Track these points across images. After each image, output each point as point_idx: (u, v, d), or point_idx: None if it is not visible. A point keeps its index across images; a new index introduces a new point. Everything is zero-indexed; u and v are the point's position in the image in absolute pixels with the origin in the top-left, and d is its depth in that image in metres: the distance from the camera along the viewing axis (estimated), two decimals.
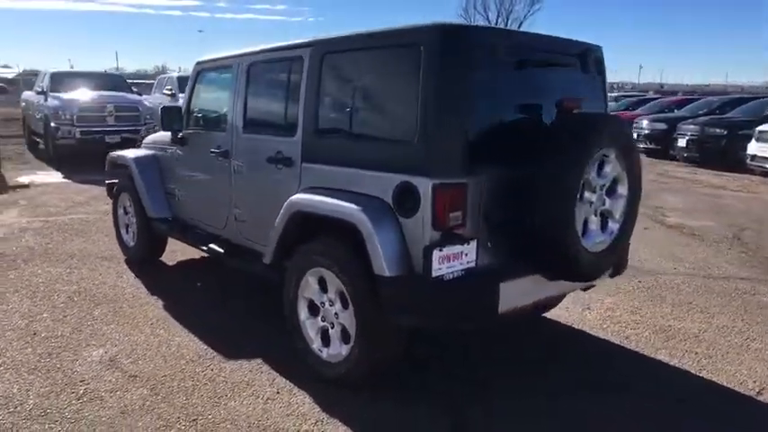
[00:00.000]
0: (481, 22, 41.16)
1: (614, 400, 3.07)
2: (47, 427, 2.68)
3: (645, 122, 14.97)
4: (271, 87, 3.66)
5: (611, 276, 3.46)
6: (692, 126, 12.98)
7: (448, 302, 2.59)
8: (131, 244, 5.12)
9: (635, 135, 15.16)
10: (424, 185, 2.58)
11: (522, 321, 3.99)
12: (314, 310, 3.17)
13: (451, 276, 2.58)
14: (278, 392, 3.04)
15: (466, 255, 2.63)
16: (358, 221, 2.72)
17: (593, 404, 3.01)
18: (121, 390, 3.01)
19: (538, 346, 3.75)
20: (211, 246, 4.01)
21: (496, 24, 40.69)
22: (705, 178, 11.43)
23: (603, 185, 2.89)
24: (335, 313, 3.02)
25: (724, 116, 13.52)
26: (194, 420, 2.76)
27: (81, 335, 3.66)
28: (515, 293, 2.80)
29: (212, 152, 3.95)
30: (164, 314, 4.03)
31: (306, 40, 3.28)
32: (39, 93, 12.04)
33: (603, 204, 2.93)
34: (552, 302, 4.04)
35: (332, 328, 3.07)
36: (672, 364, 3.53)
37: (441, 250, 2.53)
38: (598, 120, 2.85)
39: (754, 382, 3.32)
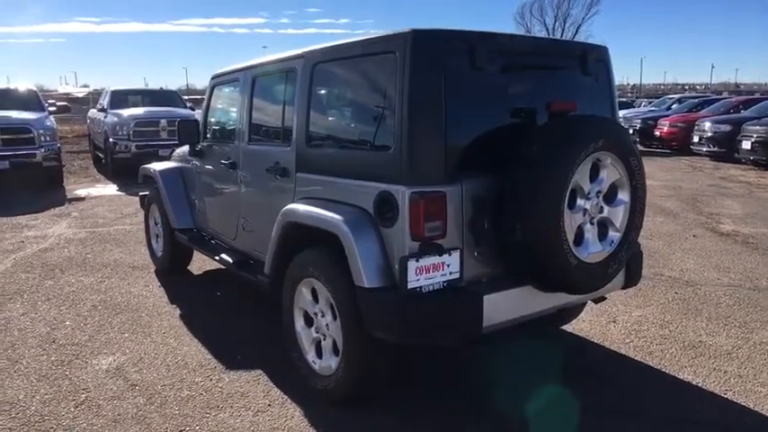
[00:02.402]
0: (538, 27, 40.46)
1: (623, 424, 2.87)
2: None
3: (707, 124, 14.15)
4: (271, 99, 3.68)
5: (624, 288, 3.25)
6: (757, 127, 12.14)
7: (425, 316, 2.49)
8: (160, 254, 5.27)
9: (696, 138, 14.40)
10: (402, 194, 2.50)
11: (537, 334, 3.82)
12: (309, 320, 3.14)
13: (431, 288, 2.48)
14: (270, 405, 3.02)
15: (448, 266, 2.52)
16: (339, 231, 2.67)
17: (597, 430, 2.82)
18: (119, 398, 3.08)
19: (550, 361, 3.56)
20: (223, 256, 4.07)
21: (554, 29, 39.85)
22: None
23: (599, 192, 2.72)
24: (327, 324, 2.98)
25: None
26: None
27: (96, 343, 3.79)
28: (505, 306, 2.67)
29: (222, 164, 4.02)
30: (178, 323, 4.11)
31: (299, 52, 3.28)
32: (100, 110, 12.74)
33: (601, 212, 2.75)
34: (570, 314, 3.85)
35: (324, 339, 3.02)
36: (695, 383, 3.27)
37: (417, 261, 2.44)
38: (583, 123, 2.68)
39: None
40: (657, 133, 16.55)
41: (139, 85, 20.78)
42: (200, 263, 5.40)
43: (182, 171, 4.94)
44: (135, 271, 5.36)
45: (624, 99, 29.48)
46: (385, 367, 2.84)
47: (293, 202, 3.17)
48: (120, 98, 12.59)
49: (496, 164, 2.58)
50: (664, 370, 3.43)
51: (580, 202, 2.66)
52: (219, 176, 4.18)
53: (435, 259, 2.48)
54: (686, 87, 74.31)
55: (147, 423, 2.84)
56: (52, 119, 10.92)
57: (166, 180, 4.90)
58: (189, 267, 5.34)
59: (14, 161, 9.60)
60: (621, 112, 20.18)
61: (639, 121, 18.25)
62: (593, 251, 2.72)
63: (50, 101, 14.59)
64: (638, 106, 24.91)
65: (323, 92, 3.14)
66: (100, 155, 12.82)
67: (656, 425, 2.88)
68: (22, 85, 11.85)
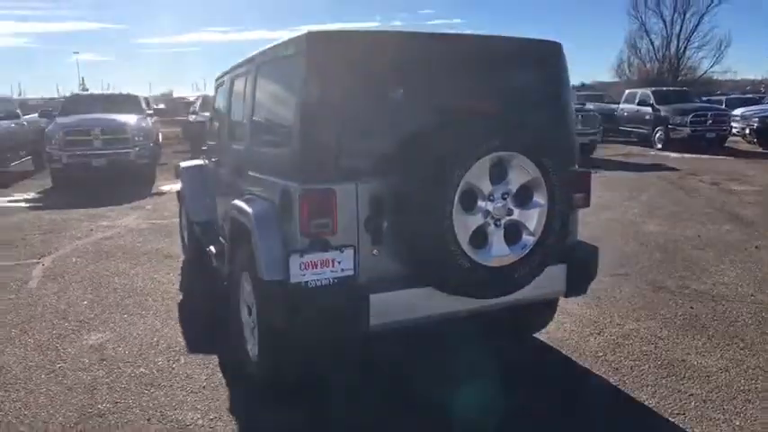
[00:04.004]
0: (653, 19, 37.75)
1: None
2: (6, 394, 3.16)
3: None
4: (239, 100, 3.88)
5: (567, 296, 3.08)
6: None
7: (308, 310, 2.54)
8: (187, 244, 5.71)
9: None
10: (294, 191, 2.59)
11: (504, 339, 3.71)
12: (251, 310, 3.30)
13: (318, 284, 2.54)
14: (204, 387, 3.22)
15: (339, 262, 2.57)
16: (249, 226, 2.81)
17: None
18: (85, 370, 3.43)
19: (493, 370, 3.39)
20: (210, 247, 4.35)
21: (672, 21, 36.95)
22: None
23: (507, 194, 2.61)
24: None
25: None
26: (115, 403, 3.05)
27: (97, 321, 4.22)
28: (400, 306, 2.66)
29: (213, 161, 4.31)
30: (173, 308, 4.46)
31: (252, 55, 3.45)
32: (191, 113, 13.87)
33: (510, 215, 2.64)
34: (534, 322, 3.70)
35: (255, 327, 3.17)
36: (647, 404, 3.01)
37: (302, 256, 2.51)
38: (477, 122, 2.58)
39: None
40: None
41: None
42: None
43: (203, 168, 5.32)
44: (167, 259, 5.84)
45: (750, 95, 26.60)
46: (294, 356, 2.91)
47: (239, 198, 3.35)
48: (209, 102, 13.62)
49: (393, 164, 2.58)
50: (620, 387, 3.19)
51: (481, 203, 2.58)
52: (214, 174, 4.47)
53: (322, 255, 2.54)
54: None
55: (92, 393, 3.16)
56: (149, 121, 12.05)
57: (187, 176, 5.31)
58: None
59: (111, 159, 10.72)
60: (739, 111, 18.35)
61: (757, 119, 16.47)
62: (498, 255, 2.62)
63: (159, 105, 16.08)
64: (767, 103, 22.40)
65: (260, 93, 3.29)
66: None
67: None
68: (153, 90, 13.21)
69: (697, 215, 7.67)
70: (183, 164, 5.58)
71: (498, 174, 2.58)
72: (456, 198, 2.46)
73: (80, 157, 10.57)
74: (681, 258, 5.69)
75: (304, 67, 2.56)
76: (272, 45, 3.15)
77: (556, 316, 4.10)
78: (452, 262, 2.49)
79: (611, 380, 3.28)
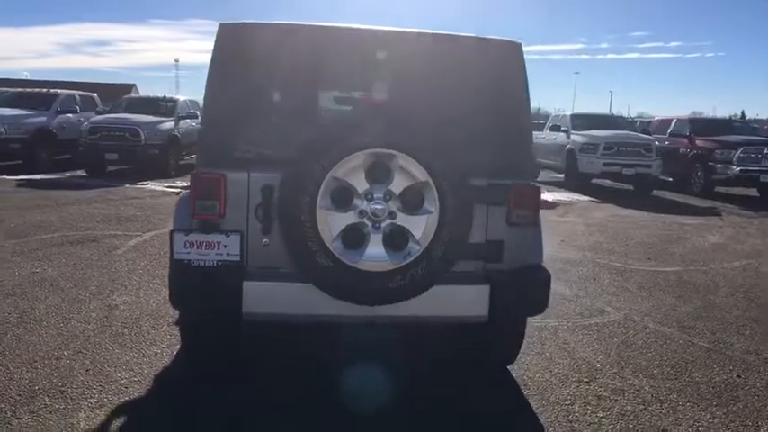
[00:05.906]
0: None
1: None
2: (15, 329, 3.74)
3: None
4: None
5: (489, 321, 2.72)
6: None
7: (183, 287, 2.62)
8: None
9: None
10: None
11: (464, 369, 3.41)
12: None
13: (201, 264, 2.62)
14: (156, 354, 3.47)
15: (225, 246, 2.62)
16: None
17: None
18: (85, 322, 3.91)
19: (416, 394, 3.12)
20: None
21: None
22: None
23: (389, 196, 2.42)
24: None
25: None
26: (78, 352, 3.44)
27: (133, 286, 4.75)
28: (279, 298, 2.62)
29: None
30: None
31: None
32: None
33: (394, 218, 2.44)
34: (494, 352, 3.33)
35: None
36: None
37: (187, 235, 2.61)
38: (353, 118, 2.42)
39: None
40: None
41: None
42: None
43: None
44: None
45: None
46: (211, 337, 3.01)
47: None
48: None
49: (282, 156, 2.56)
50: None
51: (356, 202, 2.43)
52: None
53: (205, 237, 2.61)
54: None
55: (72, 340, 3.59)
56: None
57: None
58: None
59: None
60: None
61: None
62: (371, 259, 2.44)
63: None
64: None
65: None
66: None
67: None
68: None
69: None
70: None
71: (381, 173, 2.41)
72: (320, 193, 2.36)
73: None
74: None
75: (212, 57, 2.67)
76: None
77: (553, 355, 3.68)
78: (312, 258, 2.39)
79: (550, 430, 2.82)
